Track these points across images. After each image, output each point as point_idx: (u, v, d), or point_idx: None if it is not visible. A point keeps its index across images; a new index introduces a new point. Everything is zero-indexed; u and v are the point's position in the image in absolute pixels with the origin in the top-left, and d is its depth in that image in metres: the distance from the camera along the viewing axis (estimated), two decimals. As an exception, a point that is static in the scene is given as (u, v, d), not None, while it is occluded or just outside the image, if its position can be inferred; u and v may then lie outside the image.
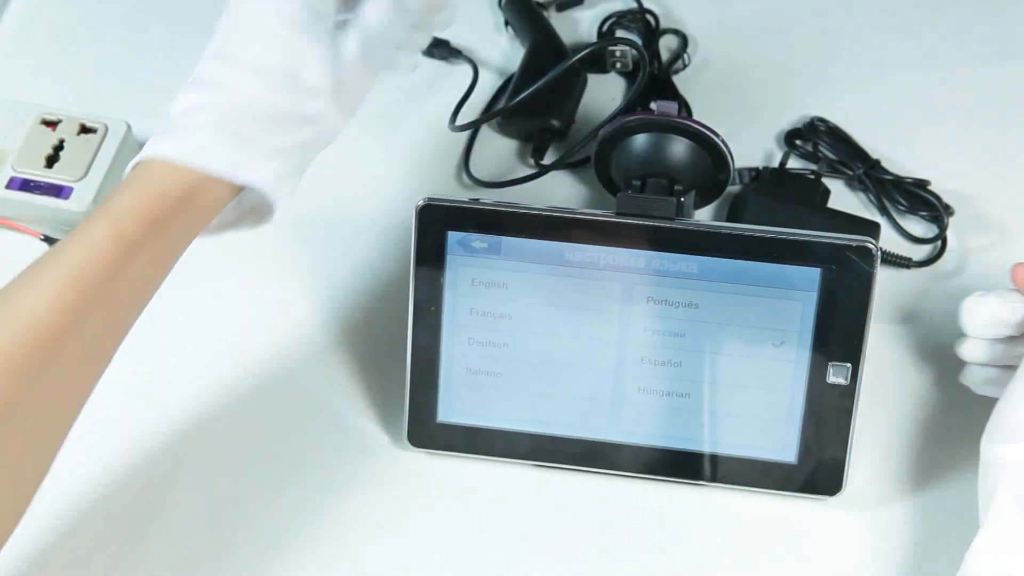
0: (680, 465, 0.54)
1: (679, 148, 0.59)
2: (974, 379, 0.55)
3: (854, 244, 0.52)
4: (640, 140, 0.59)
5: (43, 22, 0.75)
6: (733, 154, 0.60)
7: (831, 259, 0.52)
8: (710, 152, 0.60)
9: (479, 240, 0.52)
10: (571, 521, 0.56)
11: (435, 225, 0.52)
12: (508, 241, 0.52)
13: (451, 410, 0.54)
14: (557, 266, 0.52)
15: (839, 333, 0.52)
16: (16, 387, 0.40)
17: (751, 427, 0.53)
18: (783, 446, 0.53)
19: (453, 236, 0.52)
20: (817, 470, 0.54)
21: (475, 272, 0.53)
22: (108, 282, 0.42)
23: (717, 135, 0.59)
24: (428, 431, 0.55)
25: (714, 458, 0.54)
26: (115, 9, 0.76)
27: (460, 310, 0.53)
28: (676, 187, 0.57)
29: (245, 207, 0.47)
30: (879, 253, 0.52)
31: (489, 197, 0.61)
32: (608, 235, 0.52)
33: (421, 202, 0.52)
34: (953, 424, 0.59)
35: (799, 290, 0.52)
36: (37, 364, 0.40)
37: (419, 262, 0.53)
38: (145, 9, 0.76)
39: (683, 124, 0.59)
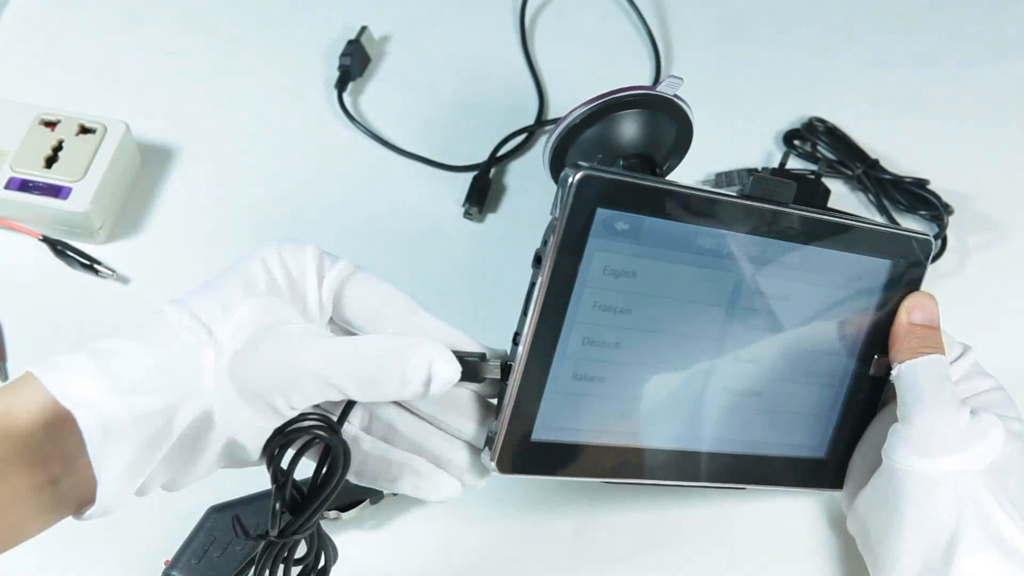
0: (729, 469, 0.51)
1: (653, 122, 0.56)
2: None
3: (919, 237, 0.51)
4: (612, 124, 0.56)
5: (43, 22, 0.75)
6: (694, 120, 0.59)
7: (898, 251, 0.51)
8: (674, 117, 0.57)
9: (623, 220, 0.44)
10: (618, 533, 0.55)
11: (587, 201, 0.43)
12: (649, 223, 0.45)
13: (546, 425, 0.46)
14: (687, 253, 0.46)
15: (887, 325, 0.52)
16: None
17: (797, 424, 0.52)
18: (818, 442, 0.52)
19: (602, 214, 0.44)
20: (843, 464, 0.53)
21: (609, 258, 0.45)
22: None
23: (679, 98, 0.57)
24: (520, 453, 0.45)
25: (762, 459, 0.52)
26: (115, 9, 0.76)
27: (585, 303, 0.45)
28: (660, 165, 0.55)
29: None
30: (934, 248, 0.52)
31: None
32: (739, 219, 0.47)
33: (578, 173, 0.43)
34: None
35: (870, 281, 0.51)
36: None
37: (562, 246, 0.43)
38: (145, 9, 0.76)
39: (650, 96, 0.56)
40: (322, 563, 0.45)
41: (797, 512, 0.56)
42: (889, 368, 0.50)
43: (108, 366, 0.39)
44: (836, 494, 0.54)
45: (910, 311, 0.51)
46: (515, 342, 0.44)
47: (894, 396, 0.50)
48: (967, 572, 0.44)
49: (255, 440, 0.41)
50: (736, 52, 0.76)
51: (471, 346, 0.44)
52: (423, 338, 0.41)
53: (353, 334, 0.44)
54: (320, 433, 0.42)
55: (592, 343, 0.46)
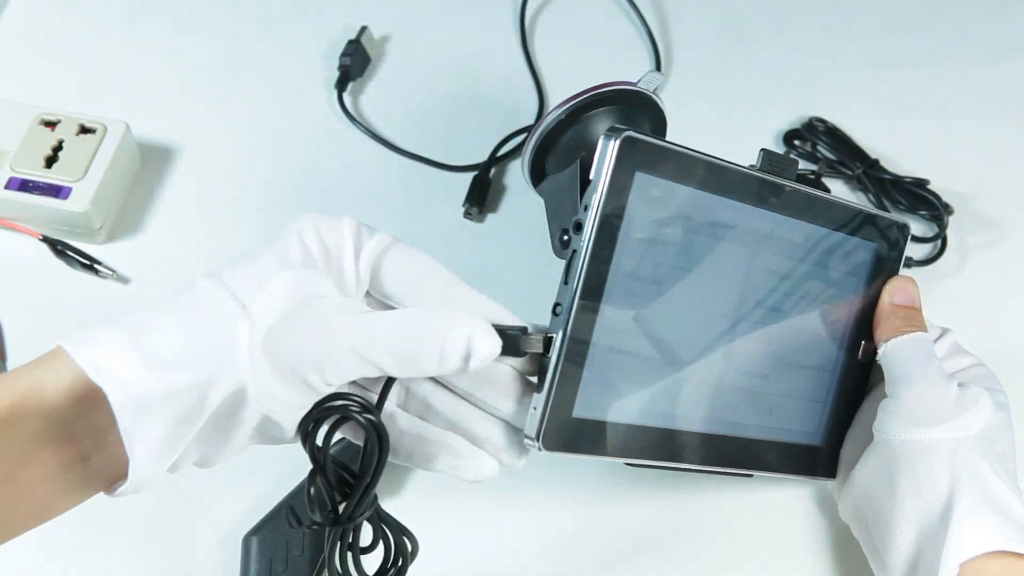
0: (739, 454, 0.50)
1: (629, 119, 0.55)
2: None
3: (899, 222, 0.53)
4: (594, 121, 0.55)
5: (43, 22, 0.75)
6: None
7: (882, 235, 0.52)
8: (647, 109, 0.57)
9: (658, 188, 0.44)
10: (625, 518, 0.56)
11: (629, 165, 0.42)
12: (680, 192, 0.44)
13: (587, 403, 0.44)
14: (710, 225, 0.46)
15: (872, 310, 0.52)
16: None
17: (796, 410, 0.52)
18: (814, 429, 0.52)
19: (641, 179, 0.43)
20: (837, 452, 0.53)
21: (645, 226, 0.44)
22: None
23: (651, 92, 0.56)
24: (563, 429, 0.44)
25: (767, 445, 0.51)
26: (115, 9, 0.76)
27: (622, 272, 0.43)
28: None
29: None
30: (910, 233, 0.53)
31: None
32: (753, 192, 0.47)
33: (621, 135, 0.42)
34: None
35: (858, 264, 0.52)
36: None
37: (604, 210, 0.42)
38: (145, 9, 0.76)
39: (619, 90, 0.55)
40: (409, 548, 0.43)
41: (797, 511, 0.56)
42: (875, 352, 0.51)
43: (140, 341, 0.38)
44: (830, 486, 0.54)
45: (892, 293, 0.52)
46: (555, 312, 0.43)
47: (880, 381, 0.50)
48: (963, 535, 0.45)
49: (290, 417, 0.40)
50: (736, 52, 0.76)
51: (513, 320, 0.43)
52: (462, 312, 0.40)
53: (391, 308, 0.43)
54: (354, 412, 0.40)
55: (629, 318, 0.44)
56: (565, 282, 0.43)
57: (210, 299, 0.39)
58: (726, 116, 0.72)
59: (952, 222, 0.66)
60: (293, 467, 0.56)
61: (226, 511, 0.55)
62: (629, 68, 0.75)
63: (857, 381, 0.53)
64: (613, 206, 0.42)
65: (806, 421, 0.52)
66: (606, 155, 0.42)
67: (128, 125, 0.65)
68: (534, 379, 0.44)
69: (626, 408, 0.45)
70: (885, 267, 0.52)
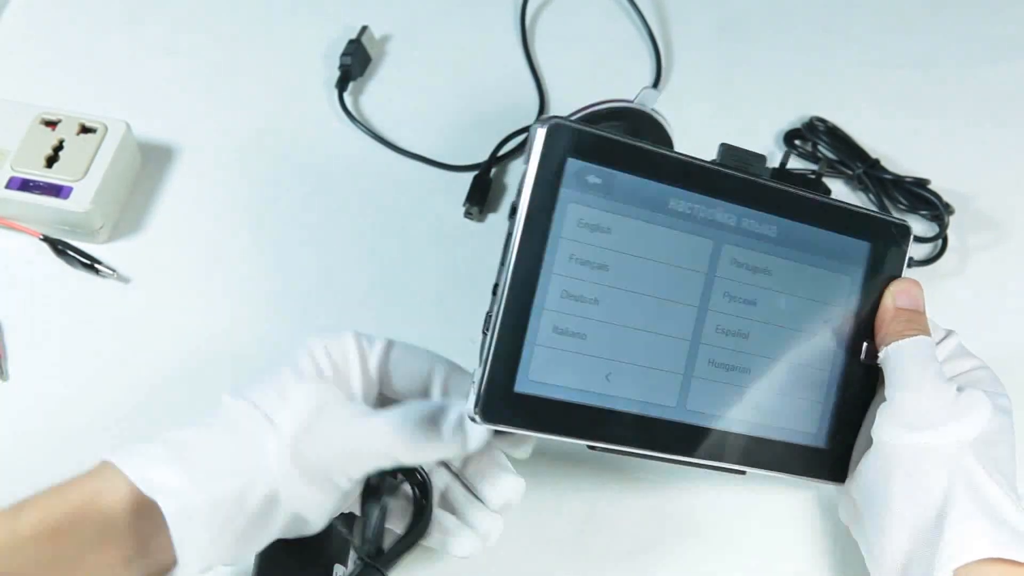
0: (724, 448, 0.50)
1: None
2: None
3: (897, 222, 0.52)
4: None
5: (43, 22, 0.75)
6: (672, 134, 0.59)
7: (877, 235, 0.52)
8: (652, 131, 0.58)
9: (596, 174, 0.46)
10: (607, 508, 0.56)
11: (557, 151, 0.44)
12: (621, 178, 0.46)
13: (528, 379, 0.46)
14: (659, 214, 0.47)
15: (873, 312, 0.52)
16: None
17: (795, 409, 0.51)
18: (816, 430, 0.52)
19: (573, 165, 0.45)
20: (844, 455, 0.53)
21: (583, 212, 0.46)
22: None
23: (654, 111, 0.57)
24: (502, 404, 0.45)
25: (758, 441, 0.51)
26: (115, 9, 0.76)
27: (561, 255, 0.46)
28: None
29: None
30: (912, 235, 0.53)
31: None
32: (711, 184, 0.48)
33: (548, 123, 0.44)
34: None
35: (850, 263, 0.51)
36: None
37: (533, 195, 0.44)
38: (145, 9, 0.76)
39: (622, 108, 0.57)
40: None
41: (798, 512, 0.56)
42: (877, 355, 0.51)
43: (182, 455, 0.43)
44: (832, 489, 0.54)
45: (895, 296, 0.51)
46: (494, 292, 0.45)
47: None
48: (957, 540, 0.44)
49: (317, 513, 0.45)
50: (736, 52, 0.76)
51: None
52: (458, 399, 0.46)
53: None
54: (403, 480, 0.50)
55: (572, 297, 0.46)
56: (502, 263, 0.45)
57: (238, 415, 0.45)
58: (726, 116, 0.72)
59: (953, 222, 0.66)
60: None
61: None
62: (629, 68, 0.75)
63: (861, 383, 0.52)
64: (544, 191, 0.44)
65: (805, 421, 0.52)
66: (534, 141, 0.44)
67: (129, 125, 0.65)
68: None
69: (574, 388, 0.47)
70: (884, 268, 0.52)
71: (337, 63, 0.72)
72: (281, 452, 0.44)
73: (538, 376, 0.46)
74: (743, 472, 0.51)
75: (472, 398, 0.44)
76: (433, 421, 0.45)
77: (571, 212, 0.45)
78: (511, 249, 0.44)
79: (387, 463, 0.45)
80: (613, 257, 0.47)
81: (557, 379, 0.46)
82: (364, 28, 0.73)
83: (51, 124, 0.64)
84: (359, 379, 0.48)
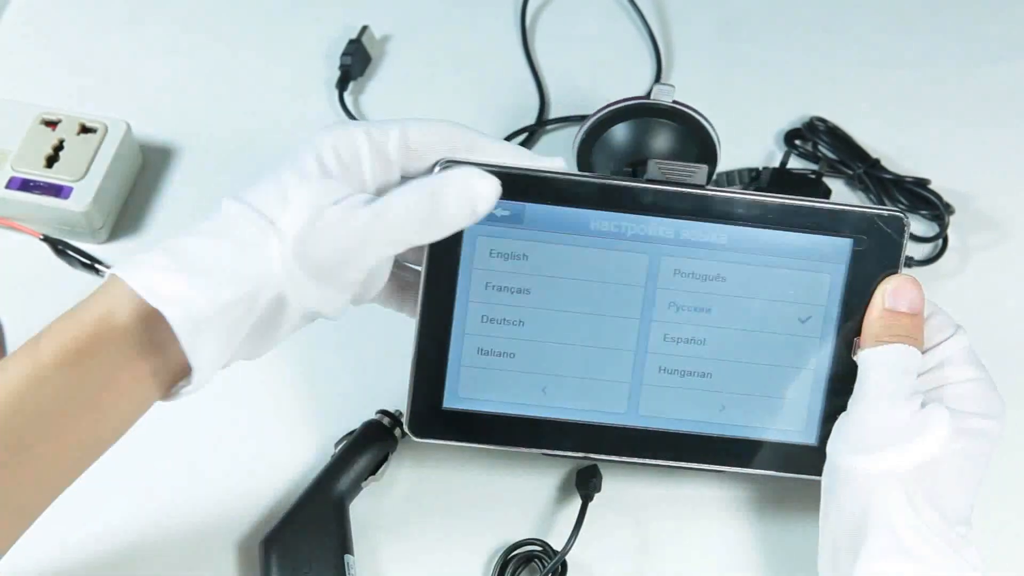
0: (699, 450, 0.52)
1: (666, 133, 0.58)
2: None
3: (885, 214, 0.50)
4: (628, 127, 0.58)
5: (43, 22, 0.75)
6: (720, 139, 0.59)
7: (862, 229, 0.50)
8: (696, 137, 0.58)
9: (501, 207, 0.48)
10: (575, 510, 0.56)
11: None
12: (532, 209, 0.49)
13: (457, 396, 0.51)
14: (581, 236, 0.49)
15: (859, 307, 0.51)
16: None
17: (773, 408, 0.52)
18: (805, 427, 0.52)
19: None
20: None
21: (494, 243, 0.49)
22: (11, 414, 0.39)
23: (703, 117, 0.58)
24: (432, 420, 0.51)
25: (734, 442, 0.52)
26: (115, 9, 0.76)
27: (475, 284, 0.49)
28: None
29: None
30: (909, 224, 0.50)
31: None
32: (637, 203, 0.49)
33: (441, 162, 0.47)
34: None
35: (828, 262, 0.50)
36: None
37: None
38: (145, 9, 0.76)
39: (668, 107, 0.57)
40: None
41: (801, 516, 0.56)
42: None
43: (185, 262, 0.41)
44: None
45: (885, 295, 0.49)
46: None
47: None
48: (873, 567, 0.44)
49: (332, 307, 0.44)
50: (736, 52, 0.76)
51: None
52: (463, 166, 0.43)
53: None
54: (538, 553, 0.53)
55: (493, 321, 0.50)
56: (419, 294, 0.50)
57: (238, 219, 0.43)
58: (726, 116, 0.72)
59: (953, 222, 0.66)
60: (307, 471, 0.56)
61: (241, 516, 0.55)
62: (629, 68, 0.75)
63: (854, 378, 0.51)
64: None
65: (789, 419, 0.52)
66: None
67: (129, 125, 0.65)
68: None
69: (508, 401, 0.51)
70: (874, 262, 0.51)
71: (337, 63, 0.72)
72: (284, 254, 0.42)
73: (467, 393, 0.51)
74: (722, 470, 0.52)
75: (405, 418, 0.51)
76: (436, 194, 0.42)
77: (480, 244, 0.49)
78: (421, 286, 0.49)
79: (395, 248, 0.43)
80: (534, 280, 0.50)
81: (488, 395, 0.51)
82: (364, 28, 0.73)
83: (51, 124, 0.64)
84: (371, 173, 0.45)
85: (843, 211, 0.50)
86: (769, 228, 0.50)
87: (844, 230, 0.50)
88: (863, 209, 0.51)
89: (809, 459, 0.52)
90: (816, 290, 0.51)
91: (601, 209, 0.49)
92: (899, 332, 0.48)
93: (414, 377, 0.50)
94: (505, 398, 0.51)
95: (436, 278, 0.49)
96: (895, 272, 0.50)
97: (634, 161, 0.57)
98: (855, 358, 0.50)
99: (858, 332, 0.51)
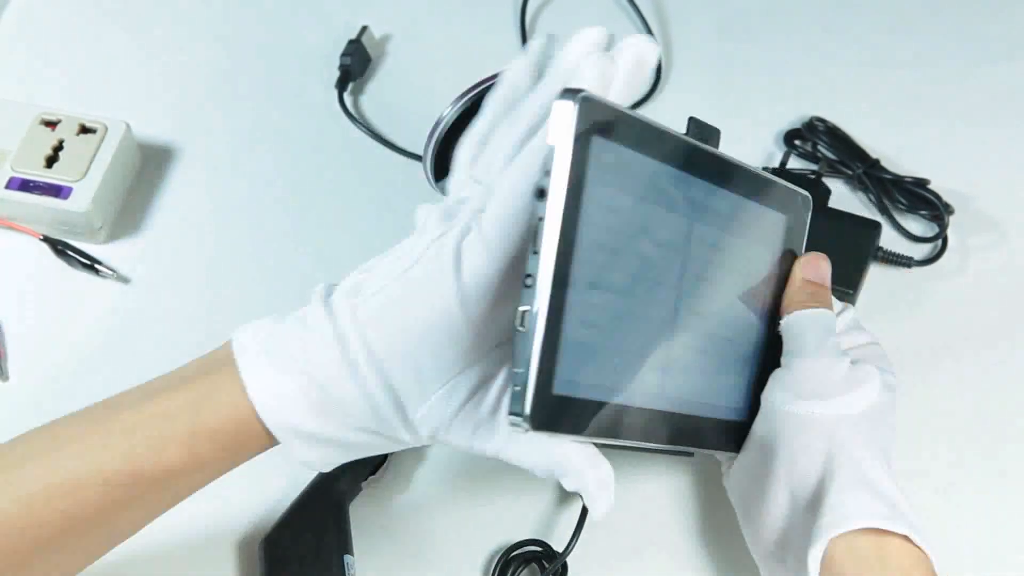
0: (680, 432, 0.48)
1: None
2: None
3: (803, 193, 0.52)
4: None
5: (43, 22, 0.75)
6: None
7: (791, 207, 0.51)
8: None
9: (615, 154, 0.41)
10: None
11: (587, 127, 0.40)
12: (637, 160, 0.43)
13: (565, 379, 0.41)
14: (667, 198, 0.44)
15: (783, 284, 0.52)
16: (28, 552, 0.40)
17: (724, 384, 0.50)
18: (742, 404, 0.51)
19: (599, 144, 0.40)
20: None
21: (603, 192, 0.41)
22: (160, 487, 0.42)
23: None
24: (547, 407, 0.41)
25: (703, 421, 0.49)
26: (115, 9, 0.76)
27: (586, 240, 0.41)
28: None
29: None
30: (811, 205, 0.52)
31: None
32: (706, 168, 0.46)
33: (579, 95, 0.39)
34: (957, 418, 0.59)
35: (774, 237, 0.51)
36: (57, 540, 0.40)
37: (569, 176, 0.39)
38: (145, 9, 0.76)
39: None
40: None
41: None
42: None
43: (320, 407, 0.42)
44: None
45: (804, 268, 0.52)
46: (526, 284, 0.40)
47: None
48: (837, 509, 0.45)
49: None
50: (736, 52, 0.76)
51: None
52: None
53: None
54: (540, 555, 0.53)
55: (598, 287, 0.42)
56: (535, 251, 0.40)
57: (376, 397, 0.42)
58: (726, 116, 0.71)
59: (953, 222, 0.66)
60: (307, 471, 0.56)
61: (241, 516, 0.55)
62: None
63: (777, 354, 0.51)
64: (576, 172, 0.40)
65: (733, 396, 0.51)
66: (563, 115, 0.39)
67: (129, 125, 0.65)
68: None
69: (599, 386, 0.43)
70: (792, 239, 0.52)
71: (337, 63, 0.72)
72: (414, 439, 0.43)
73: (573, 375, 0.41)
74: (691, 454, 0.52)
75: (522, 404, 0.39)
76: (562, 469, 0.44)
77: (595, 194, 0.41)
78: (546, 236, 0.39)
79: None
80: (625, 241, 0.43)
81: (586, 378, 0.42)
82: (364, 28, 0.73)
83: (51, 124, 0.64)
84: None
85: (784, 187, 0.51)
86: (750, 199, 0.49)
87: (783, 206, 0.51)
88: (791, 187, 0.51)
89: (740, 435, 0.51)
90: (765, 265, 0.51)
91: (671, 165, 0.44)
92: (819, 300, 0.51)
93: (540, 351, 0.40)
94: (595, 381, 0.43)
95: (564, 230, 0.39)
96: (800, 249, 0.52)
97: None
98: (782, 323, 0.50)
99: (776, 307, 0.51)
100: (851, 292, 0.61)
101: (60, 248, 0.63)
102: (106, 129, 0.64)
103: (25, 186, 0.62)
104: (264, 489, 0.56)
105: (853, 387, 0.48)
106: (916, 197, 0.67)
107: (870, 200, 0.68)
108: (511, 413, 0.40)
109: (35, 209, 0.62)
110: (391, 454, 0.56)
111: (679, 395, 0.48)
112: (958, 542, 0.55)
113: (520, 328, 0.40)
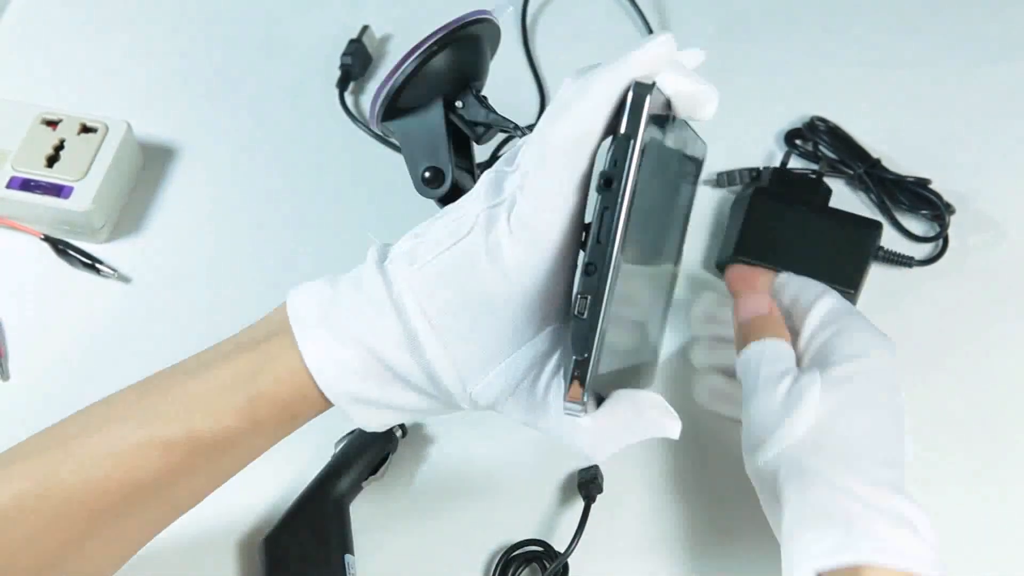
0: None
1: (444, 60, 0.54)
2: (702, 393, 0.55)
3: (702, 139, 0.52)
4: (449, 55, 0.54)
5: (43, 22, 0.75)
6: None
7: (701, 153, 0.52)
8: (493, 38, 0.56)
9: (653, 135, 0.41)
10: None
11: (648, 119, 0.40)
12: (657, 140, 0.42)
13: (602, 362, 0.41)
14: (661, 164, 0.44)
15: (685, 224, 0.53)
16: (92, 523, 0.40)
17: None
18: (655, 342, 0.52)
19: (651, 131, 0.41)
20: None
21: (644, 182, 0.41)
22: (220, 454, 0.42)
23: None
24: (598, 391, 0.42)
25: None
26: (115, 9, 0.76)
27: (633, 226, 0.41)
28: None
29: None
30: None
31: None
32: (672, 130, 0.46)
33: (651, 90, 0.40)
34: (958, 417, 0.59)
35: (691, 182, 0.52)
36: (120, 508, 0.41)
37: (637, 167, 0.40)
38: (145, 9, 0.76)
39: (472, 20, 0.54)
40: None
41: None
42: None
43: (381, 377, 0.41)
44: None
45: (734, 313, 0.52)
46: (588, 272, 0.40)
47: None
48: (788, 560, 0.43)
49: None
50: (737, 51, 0.76)
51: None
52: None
53: None
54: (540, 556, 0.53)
55: (626, 269, 0.42)
56: (597, 240, 0.40)
57: (436, 366, 0.41)
58: (727, 116, 0.71)
59: (953, 222, 0.66)
60: (307, 470, 0.56)
61: (241, 516, 0.55)
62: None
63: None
64: (640, 161, 0.40)
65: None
66: (642, 108, 0.39)
67: (129, 125, 0.65)
68: None
69: (612, 359, 0.43)
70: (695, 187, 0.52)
71: (338, 63, 0.72)
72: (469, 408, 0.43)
73: (607, 356, 0.41)
74: None
75: (581, 391, 0.39)
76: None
77: (641, 185, 0.40)
78: (616, 225, 0.39)
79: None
80: (646, 219, 0.44)
81: (610, 355, 0.42)
82: (365, 28, 0.73)
83: (52, 124, 0.64)
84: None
85: (696, 134, 0.51)
86: (678, 149, 0.48)
87: (698, 151, 0.52)
88: (695, 132, 0.51)
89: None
90: (686, 208, 0.52)
91: (665, 129, 0.44)
92: (756, 334, 0.50)
93: (600, 336, 0.40)
94: (611, 357, 0.42)
95: (626, 222, 0.40)
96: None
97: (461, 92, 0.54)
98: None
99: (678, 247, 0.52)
100: (852, 292, 0.61)
101: (61, 248, 0.63)
102: (107, 129, 0.64)
103: (26, 185, 0.62)
104: (264, 489, 0.56)
105: (791, 409, 0.46)
106: (917, 197, 0.67)
107: (871, 200, 0.68)
108: (568, 401, 0.40)
109: (36, 208, 0.62)
110: (391, 454, 0.56)
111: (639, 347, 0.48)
112: (973, 544, 0.55)
113: (580, 316, 0.40)
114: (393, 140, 0.55)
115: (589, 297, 0.40)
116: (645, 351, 0.49)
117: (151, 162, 0.68)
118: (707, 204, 0.68)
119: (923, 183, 0.67)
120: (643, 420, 0.41)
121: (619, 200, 0.40)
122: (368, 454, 0.55)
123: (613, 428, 0.41)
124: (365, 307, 0.41)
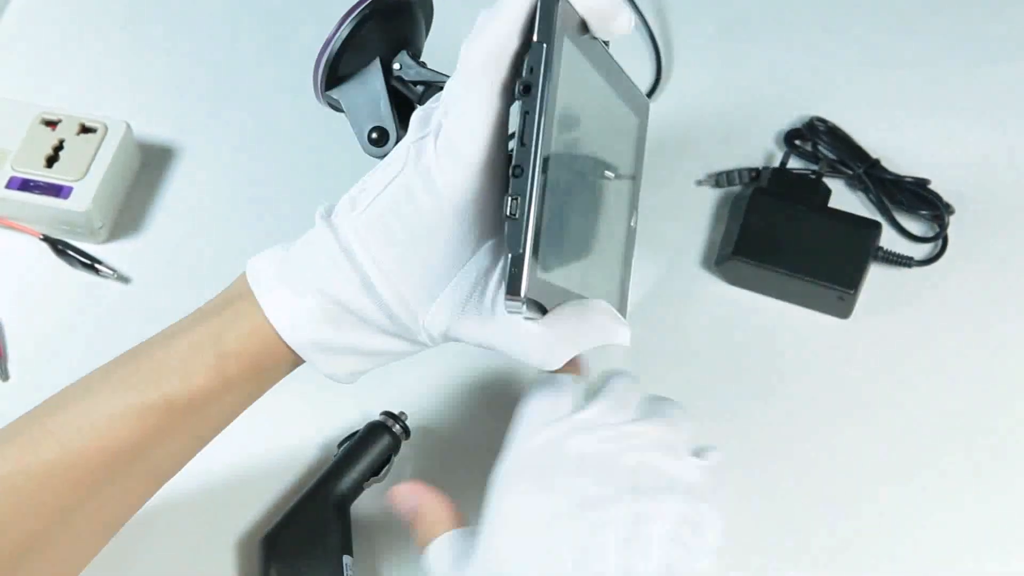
0: None
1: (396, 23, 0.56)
2: None
3: (644, 95, 0.53)
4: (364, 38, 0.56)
5: (43, 22, 0.75)
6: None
7: (641, 109, 0.53)
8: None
9: (569, 51, 0.43)
10: None
11: (562, 29, 0.42)
12: (570, 48, 0.44)
13: (545, 264, 0.42)
14: (584, 88, 0.46)
15: (633, 183, 0.52)
16: (76, 494, 0.41)
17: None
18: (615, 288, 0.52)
19: (562, 42, 0.42)
20: None
21: (562, 88, 0.43)
22: (194, 414, 0.43)
23: None
24: (539, 289, 0.42)
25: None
26: (115, 9, 0.76)
27: (554, 132, 0.43)
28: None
29: None
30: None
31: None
32: (601, 60, 0.48)
33: None
34: (957, 417, 0.59)
35: (631, 139, 0.52)
36: (101, 477, 0.41)
37: (549, 70, 0.42)
38: (145, 9, 0.76)
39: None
40: None
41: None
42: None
43: (340, 320, 0.42)
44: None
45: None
46: (515, 175, 0.41)
47: None
48: None
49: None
50: (737, 51, 0.76)
51: None
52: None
53: None
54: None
55: (556, 174, 0.43)
56: (522, 143, 0.41)
57: (392, 304, 0.42)
58: (727, 116, 0.72)
59: (953, 222, 0.66)
60: (309, 471, 0.56)
61: (241, 516, 0.55)
62: (629, 67, 0.75)
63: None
64: (554, 67, 0.42)
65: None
66: (552, 15, 0.42)
67: (129, 125, 0.65)
68: None
69: (556, 271, 0.43)
70: (639, 146, 0.52)
71: (337, 63, 0.72)
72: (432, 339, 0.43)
73: (546, 260, 0.42)
74: None
75: (520, 284, 0.40)
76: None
77: (559, 90, 0.42)
78: (536, 128, 0.41)
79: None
80: (571, 128, 0.45)
81: (551, 263, 0.42)
82: (364, 28, 0.73)
83: (51, 124, 0.64)
84: None
85: (638, 89, 0.52)
86: (616, 96, 0.50)
87: (638, 108, 0.52)
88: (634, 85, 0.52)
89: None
90: (629, 168, 0.52)
91: (579, 48, 0.45)
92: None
93: (537, 236, 0.41)
94: (555, 268, 0.43)
95: (545, 127, 0.42)
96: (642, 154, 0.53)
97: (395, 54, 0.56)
98: None
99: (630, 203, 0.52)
100: (851, 292, 0.61)
101: (60, 248, 0.63)
102: (106, 129, 0.64)
103: (25, 186, 0.62)
104: (264, 489, 0.56)
105: None
106: (916, 197, 0.67)
107: (870, 200, 0.68)
108: (507, 297, 0.40)
109: (35, 209, 0.62)
110: (393, 456, 0.56)
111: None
112: (973, 544, 0.55)
113: (512, 216, 0.41)
114: (340, 108, 0.57)
115: (519, 198, 0.41)
116: (600, 288, 0.48)
117: (150, 162, 0.68)
118: (707, 204, 0.68)
119: (922, 183, 0.67)
120: (591, 325, 0.43)
121: (538, 102, 0.41)
122: (371, 455, 0.55)
123: (562, 335, 0.42)
124: (318, 257, 0.42)
